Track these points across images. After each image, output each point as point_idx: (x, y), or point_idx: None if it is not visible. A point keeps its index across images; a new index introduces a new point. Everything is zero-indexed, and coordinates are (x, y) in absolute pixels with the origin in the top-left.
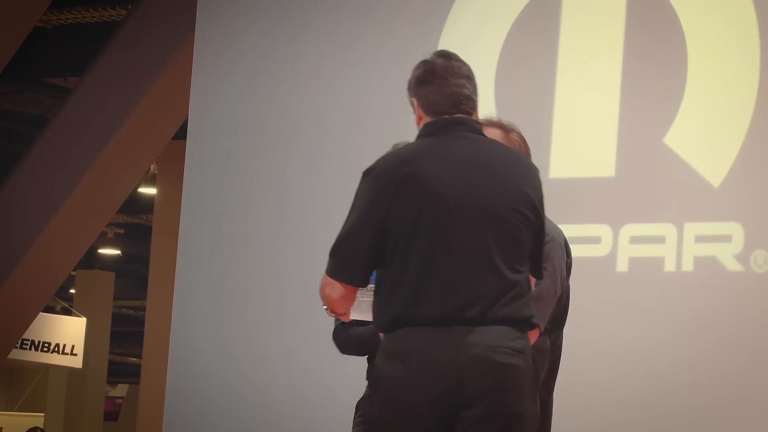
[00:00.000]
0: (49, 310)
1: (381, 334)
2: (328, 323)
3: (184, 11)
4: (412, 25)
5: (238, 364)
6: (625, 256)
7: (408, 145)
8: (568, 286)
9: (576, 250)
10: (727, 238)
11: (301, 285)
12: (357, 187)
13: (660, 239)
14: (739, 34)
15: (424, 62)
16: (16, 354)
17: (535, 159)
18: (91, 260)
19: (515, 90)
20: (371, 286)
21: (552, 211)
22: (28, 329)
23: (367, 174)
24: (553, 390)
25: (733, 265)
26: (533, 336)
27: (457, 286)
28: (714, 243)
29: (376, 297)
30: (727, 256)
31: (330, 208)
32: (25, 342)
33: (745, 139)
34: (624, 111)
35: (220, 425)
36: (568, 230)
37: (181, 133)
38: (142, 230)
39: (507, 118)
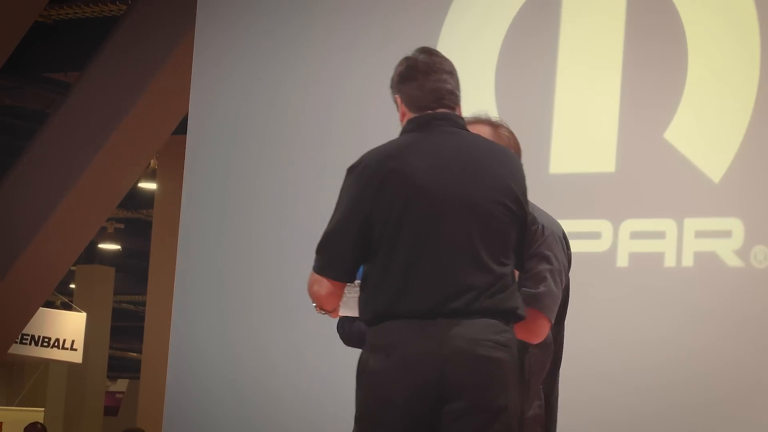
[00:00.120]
0: (49, 305)
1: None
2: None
3: (184, 6)
4: (412, 25)
5: (238, 358)
6: (625, 251)
7: (391, 141)
8: (568, 280)
9: (576, 246)
10: (727, 234)
11: (301, 280)
12: (342, 184)
13: (660, 234)
14: (739, 29)
15: (406, 59)
16: (16, 349)
17: (536, 154)
18: (92, 255)
19: (515, 85)
20: (359, 282)
21: (552, 206)
22: (28, 324)
23: (351, 170)
24: (556, 382)
25: (733, 261)
26: (545, 329)
27: (441, 280)
28: (714, 238)
29: (361, 292)
30: (727, 251)
31: (329, 203)
32: (25, 337)
33: (746, 135)
34: (624, 106)
35: (220, 420)
36: (568, 225)
37: (182, 128)
38: (142, 225)
39: (507, 114)
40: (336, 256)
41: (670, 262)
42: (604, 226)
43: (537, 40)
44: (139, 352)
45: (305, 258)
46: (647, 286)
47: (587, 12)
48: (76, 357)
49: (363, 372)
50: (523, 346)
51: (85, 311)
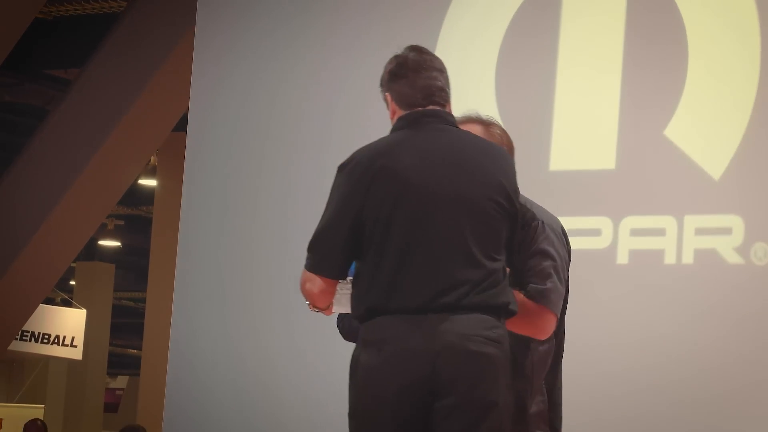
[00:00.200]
0: (49, 301)
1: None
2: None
3: (184, 3)
4: (411, 25)
5: (238, 355)
6: (626, 248)
7: (382, 139)
8: (568, 276)
9: (576, 243)
10: (727, 231)
11: (300, 276)
12: (333, 181)
13: (660, 231)
14: (739, 27)
15: (396, 57)
16: (16, 345)
17: (536, 152)
18: (92, 252)
19: (515, 83)
20: (351, 278)
21: (552, 203)
22: (28, 321)
23: (342, 168)
24: (558, 378)
25: (734, 258)
26: (551, 325)
27: (433, 276)
28: (714, 235)
29: (354, 289)
30: (727, 248)
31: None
32: (25, 333)
33: (746, 132)
34: (624, 103)
35: (220, 417)
36: (568, 222)
37: (182, 125)
38: (142, 222)
39: (508, 112)
40: (328, 254)
41: (670, 259)
42: (604, 223)
43: (537, 40)
44: (139, 348)
45: (305, 255)
46: (647, 283)
47: (587, 12)
48: (76, 354)
49: (355, 367)
50: (525, 344)
51: (85, 308)
